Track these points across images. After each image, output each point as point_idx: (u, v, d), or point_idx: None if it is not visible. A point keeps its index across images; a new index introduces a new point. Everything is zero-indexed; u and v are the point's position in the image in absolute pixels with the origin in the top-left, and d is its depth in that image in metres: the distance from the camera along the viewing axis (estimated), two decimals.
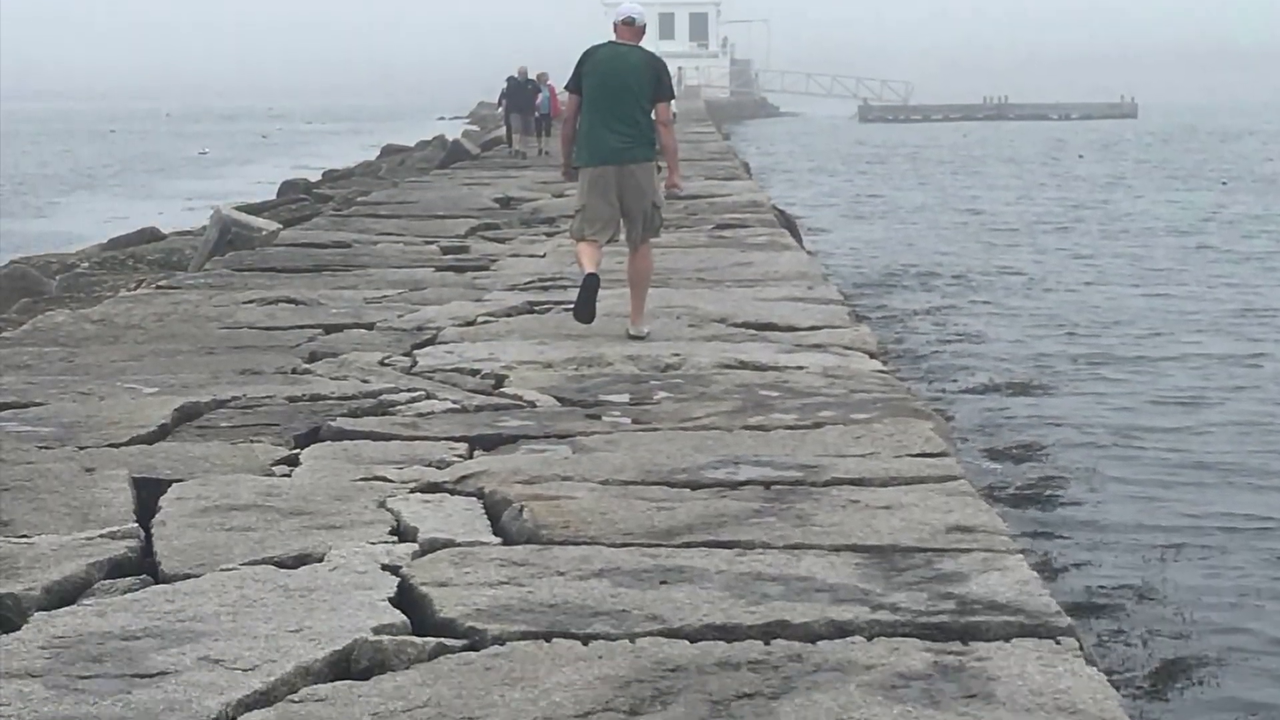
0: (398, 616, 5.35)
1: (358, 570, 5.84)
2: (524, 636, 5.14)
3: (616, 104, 11.30)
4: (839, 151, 73.38)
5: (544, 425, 8.43)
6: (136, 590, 5.70)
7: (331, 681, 4.85)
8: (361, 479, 7.24)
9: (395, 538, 6.32)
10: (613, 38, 11.54)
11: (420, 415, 8.73)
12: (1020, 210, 41.31)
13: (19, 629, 5.26)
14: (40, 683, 4.76)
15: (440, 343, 11.21)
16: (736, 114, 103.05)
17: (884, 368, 10.45)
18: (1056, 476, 13.40)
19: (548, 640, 5.09)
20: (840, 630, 5.18)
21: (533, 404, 9.08)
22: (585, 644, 5.06)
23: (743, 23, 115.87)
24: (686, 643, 5.07)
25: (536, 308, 12.76)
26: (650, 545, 6.11)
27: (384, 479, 7.23)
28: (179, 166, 65.18)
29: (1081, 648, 5.05)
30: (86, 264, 23.15)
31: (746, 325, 11.78)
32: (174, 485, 7.09)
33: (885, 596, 5.48)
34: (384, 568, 5.87)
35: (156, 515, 6.62)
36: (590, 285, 11.10)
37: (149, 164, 67.00)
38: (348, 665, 4.98)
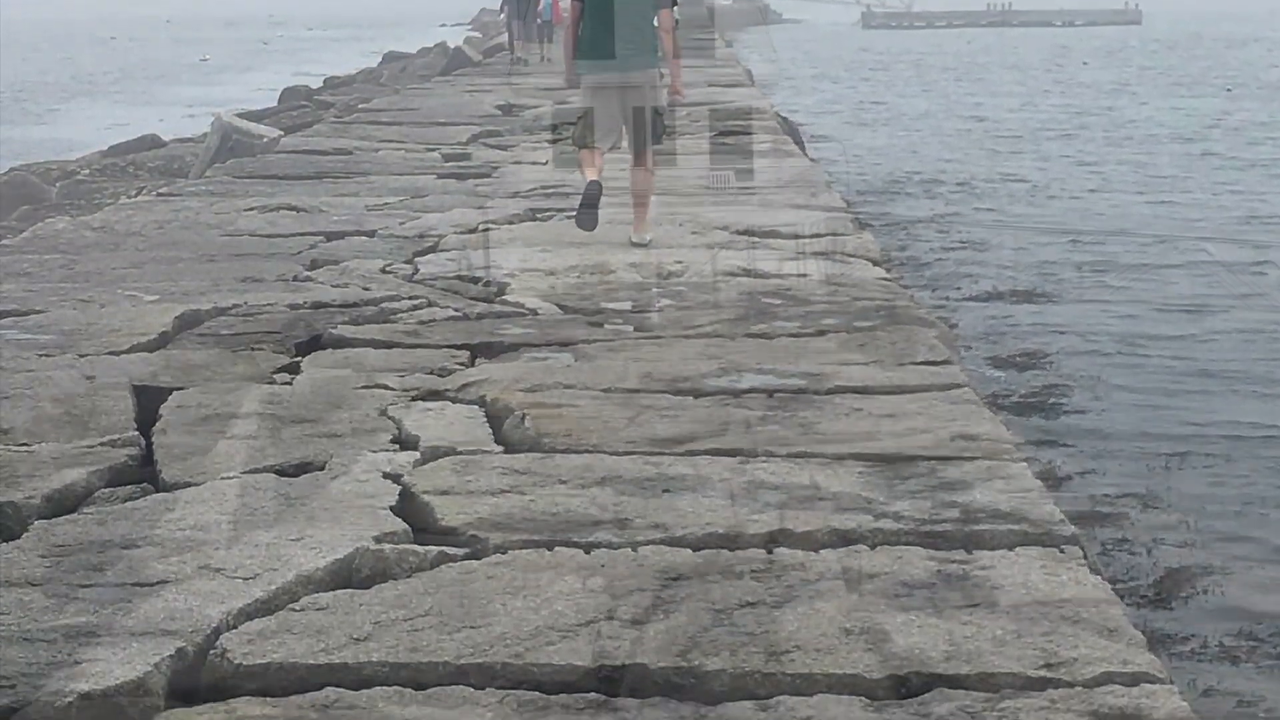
0: (399, 525, 5.33)
1: (359, 479, 5.82)
2: (526, 545, 5.12)
3: (619, 10, 11.21)
4: (842, 59, 72.99)
5: (546, 333, 8.40)
6: (137, 499, 5.69)
7: (333, 590, 4.83)
8: (363, 387, 7.21)
9: (397, 446, 6.30)
10: None
11: (422, 323, 8.69)
12: (1024, 117, 41.12)
13: (19, 537, 5.25)
14: (40, 591, 4.75)
15: (442, 250, 11.16)
16: (739, 21, 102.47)
17: (887, 275, 10.39)
18: (1060, 384, 13.35)
19: (550, 549, 5.08)
20: (843, 539, 5.16)
21: (534, 312, 9.04)
22: (587, 552, 5.05)
23: None
24: (689, 551, 5.06)
25: (539, 215, 12.71)
26: (652, 454, 6.09)
27: (385, 387, 7.20)
28: (179, 73, 64.88)
29: (1085, 556, 5.04)
30: (87, 171, 23.05)
31: (749, 232, 11.72)
32: (175, 393, 7.07)
33: (888, 505, 5.46)
34: (385, 476, 5.85)
35: (157, 423, 6.61)
36: (593, 193, 11.05)
37: (149, 71, 66.71)
38: (349, 574, 4.97)
